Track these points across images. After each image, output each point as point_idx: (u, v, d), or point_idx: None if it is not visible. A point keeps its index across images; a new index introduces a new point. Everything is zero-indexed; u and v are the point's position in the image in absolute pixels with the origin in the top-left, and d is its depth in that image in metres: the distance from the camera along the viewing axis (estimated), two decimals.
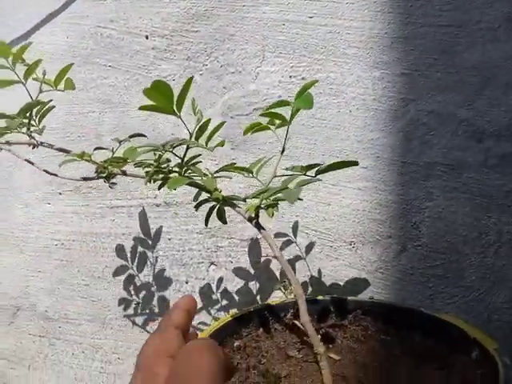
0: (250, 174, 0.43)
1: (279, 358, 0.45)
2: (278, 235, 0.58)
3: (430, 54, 0.53)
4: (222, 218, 0.43)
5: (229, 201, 0.38)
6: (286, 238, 0.58)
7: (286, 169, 0.39)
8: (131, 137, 0.45)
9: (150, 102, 0.32)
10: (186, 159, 0.40)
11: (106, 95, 0.64)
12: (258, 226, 0.38)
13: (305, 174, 0.37)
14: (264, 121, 0.43)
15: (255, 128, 0.43)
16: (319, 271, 0.57)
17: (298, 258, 0.57)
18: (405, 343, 0.46)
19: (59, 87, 0.44)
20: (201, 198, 0.43)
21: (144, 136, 0.46)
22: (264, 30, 0.58)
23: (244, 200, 0.38)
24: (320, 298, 0.50)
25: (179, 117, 0.33)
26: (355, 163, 0.34)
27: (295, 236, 0.57)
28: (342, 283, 0.56)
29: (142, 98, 0.64)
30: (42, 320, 0.66)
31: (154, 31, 0.61)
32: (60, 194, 0.66)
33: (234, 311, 0.49)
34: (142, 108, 0.33)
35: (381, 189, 0.55)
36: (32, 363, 0.66)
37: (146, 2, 0.62)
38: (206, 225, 0.42)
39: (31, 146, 0.45)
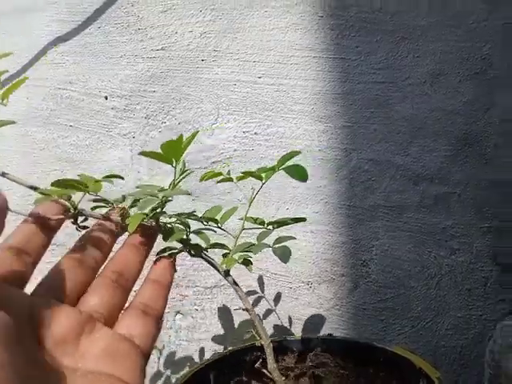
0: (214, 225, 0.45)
1: None
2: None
3: (367, 107, 0.60)
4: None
5: (207, 257, 0.41)
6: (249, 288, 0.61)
7: (249, 218, 0.43)
8: (108, 177, 0.43)
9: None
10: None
11: (67, 154, 0.67)
12: (234, 282, 0.42)
13: (266, 228, 0.41)
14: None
15: (216, 177, 0.46)
16: (289, 318, 0.60)
17: (260, 298, 0.61)
18: (361, 377, 0.50)
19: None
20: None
21: (121, 178, 0.46)
22: (217, 89, 0.63)
23: (210, 247, 0.42)
24: (283, 340, 0.54)
25: (174, 167, 0.37)
26: (304, 219, 0.39)
27: (262, 289, 0.61)
28: (301, 322, 0.60)
29: (103, 155, 0.67)
30: None
31: (113, 92, 0.65)
32: None
33: (205, 358, 0.52)
34: (144, 154, 0.36)
35: (331, 231, 0.60)
36: None
37: (104, 64, 0.66)
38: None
39: None
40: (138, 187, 0.42)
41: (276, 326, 0.62)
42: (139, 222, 0.38)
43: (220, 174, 0.48)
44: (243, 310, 0.45)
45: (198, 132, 0.38)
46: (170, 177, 0.61)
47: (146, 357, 0.30)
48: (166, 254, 0.39)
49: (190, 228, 0.41)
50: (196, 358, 0.62)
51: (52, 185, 0.34)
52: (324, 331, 0.59)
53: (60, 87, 0.67)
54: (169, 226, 0.41)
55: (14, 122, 0.39)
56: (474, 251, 0.58)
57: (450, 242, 0.58)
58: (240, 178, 0.48)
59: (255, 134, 0.62)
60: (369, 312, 0.59)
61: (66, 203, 0.35)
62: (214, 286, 0.62)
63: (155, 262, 0.35)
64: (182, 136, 0.36)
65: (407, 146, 0.60)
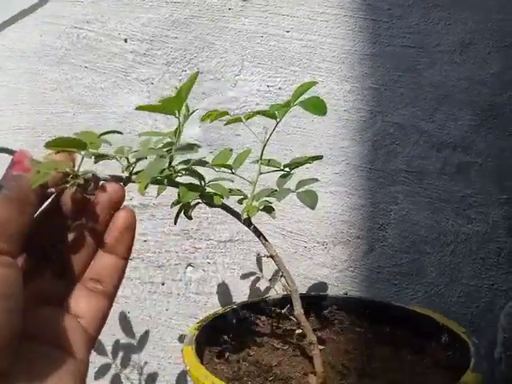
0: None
1: (266, 350, 0.48)
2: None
3: (395, 71, 0.59)
4: (186, 214, 0.44)
5: (227, 206, 0.40)
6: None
7: (263, 160, 0.41)
8: (106, 133, 0.40)
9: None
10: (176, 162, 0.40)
11: (80, 96, 0.64)
12: (256, 230, 0.41)
13: (283, 170, 0.40)
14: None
15: (218, 116, 0.44)
16: (294, 271, 0.60)
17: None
18: (379, 334, 0.50)
19: None
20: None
21: (120, 133, 0.43)
22: (243, 40, 0.62)
23: (240, 202, 0.40)
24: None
25: (178, 117, 0.35)
26: (321, 157, 0.39)
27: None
28: (314, 282, 0.60)
29: (119, 100, 0.65)
30: None
31: (133, 35, 0.63)
32: None
33: (215, 310, 0.51)
34: (140, 108, 0.34)
35: (351, 193, 0.60)
36: None
37: (125, 6, 0.63)
38: (175, 223, 0.43)
39: None
40: (140, 135, 0.39)
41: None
42: (148, 181, 0.35)
43: (226, 113, 0.44)
44: (268, 256, 0.44)
45: (197, 74, 0.35)
46: (189, 125, 0.59)
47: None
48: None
49: (204, 179, 0.39)
50: (203, 313, 0.61)
51: (47, 145, 0.31)
52: (337, 292, 0.59)
53: (76, 26, 0.65)
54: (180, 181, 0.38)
55: None
56: (491, 221, 0.59)
57: (467, 211, 0.59)
58: (249, 117, 0.46)
59: (279, 88, 0.61)
60: (383, 275, 0.60)
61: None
62: (228, 241, 0.61)
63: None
64: (181, 90, 0.33)
65: (433, 112, 0.60)
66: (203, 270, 0.63)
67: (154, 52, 0.65)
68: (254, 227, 0.43)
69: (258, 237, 0.43)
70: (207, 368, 0.42)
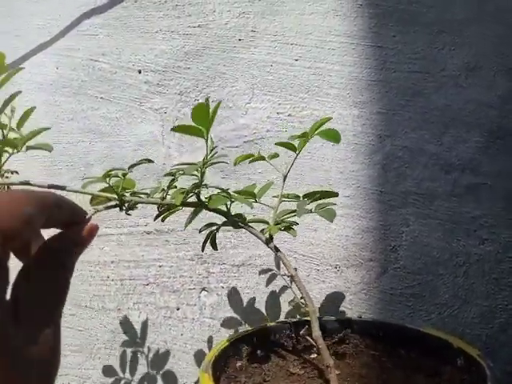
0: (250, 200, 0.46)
1: (282, 375, 0.48)
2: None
3: (402, 96, 0.61)
4: (214, 243, 0.47)
5: (247, 223, 0.42)
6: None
7: (285, 195, 0.44)
8: (138, 164, 0.44)
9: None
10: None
11: (96, 126, 0.66)
12: (275, 248, 0.42)
13: (307, 202, 0.42)
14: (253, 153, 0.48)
15: (249, 158, 0.47)
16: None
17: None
18: (394, 357, 0.50)
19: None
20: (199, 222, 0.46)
21: (151, 162, 0.46)
22: (253, 69, 0.64)
23: (252, 222, 0.42)
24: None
25: (206, 140, 0.37)
26: (336, 194, 0.41)
27: (278, 267, 0.61)
28: (327, 305, 0.61)
29: (133, 129, 0.67)
30: None
31: (146, 66, 0.65)
32: None
33: (231, 334, 0.52)
34: (176, 129, 0.37)
35: (362, 216, 0.61)
36: None
37: (139, 38, 0.66)
38: (203, 250, 0.46)
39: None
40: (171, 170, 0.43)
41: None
42: (182, 198, 0.41)
43: (251, 155, 0.48)
44: (288, 276, 0.45)
45: (220, 103, 0.39)
46: (200, 153, 0.62)
47: None
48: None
49: (230, 196, 0.42)
50: (218, 337, 0.61)
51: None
52: (350, 315, 0.60)
53: (92, 58, 0.67)
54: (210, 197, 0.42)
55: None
56: (502, 241, 0.60)
57: (478, 232, 0.60)
58: (272, 157, 0.48)
59: (289, 115, 0.63)
60: (396, 297, 0.60)
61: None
62: (242, 265, 0.62)
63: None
64: (207, 99, 0.36)
65: (440, 135, 0.61)
66: (217, 295, 0.64)
67: (167, 82, 0.67)
68: (274, 246, 0.44)
69: (279, 256, 0.45)
70: None
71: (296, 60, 0.65)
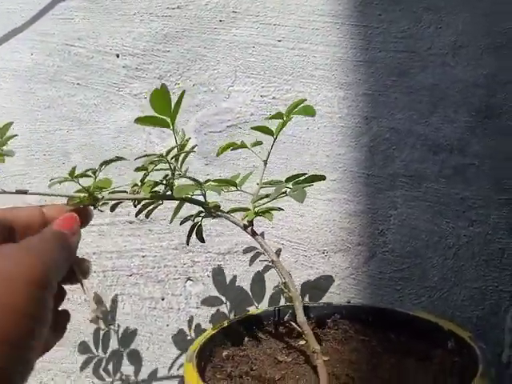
0: (232, 188, 0.44)
1: (269, 363, 0.47)
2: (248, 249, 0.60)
3: (388, 76, 0.59)
4: (201, 237, 0.45)
5: (222, 211, 0.40)
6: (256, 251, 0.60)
7: (266, 182, 0.42)
8: (106, 163, 0.41)
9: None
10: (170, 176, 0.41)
11: (73, 113, 0.64)
12: (253, 233, 0.40)
13: (287, 187, 0.40)
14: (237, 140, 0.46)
15: (231, 147, 0.45)
16: (295, 281, 0.59)
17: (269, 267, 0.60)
18: (384, 341, 0.49)
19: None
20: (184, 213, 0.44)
21: (125, 159, 0.44)
22: (235, 51, 0.61)
23: (232, 211, 0.41)
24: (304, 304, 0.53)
25: (172, 129, 0.35)
26: (323, 177, 0.39)
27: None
28: (315, 290, 0.59)
29: (112, 116, 0.64)
30: None
31: (125, 50, 0.63)
32: None
33: (217, 324, 0.50)
34: (139, 120, 0.35)
35: (349, 200, 0.60)
36: None
37: (116, 21, 0.63)
38: (188, 243, 0.44)
39: None
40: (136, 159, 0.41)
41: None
42: (150, 189, 0.41)
43: (233, 144, 0.47)
44: (269, 262, 0.44)
45: (184, 92, 0.36)
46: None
47: None
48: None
49: (202, 185, 0.40)
50: (204, 326, 0.60)
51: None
52: (339, 301, 0.58)
53: (68, 43, 0.65)
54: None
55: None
56: (491, 223, 0.59)
57: (467, 213, 0.59)
58: (255, 144, 0.47)
59: (273, 98, 0.61)
60: (385, 281, 0.59)
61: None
62: (227, 253, 0.61)
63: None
64: (164, 85, 0.34)
65: (428, 115, 0.60)
66: (203, 284, 0.62)
67: (146, 66, 0.65)
68: (252, 230, 0.43)
69: (258, 241, 0.43)
70: None
71: (279, 41, 0.63)
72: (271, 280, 0.62)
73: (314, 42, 0.63)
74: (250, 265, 0.62)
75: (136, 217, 0.46)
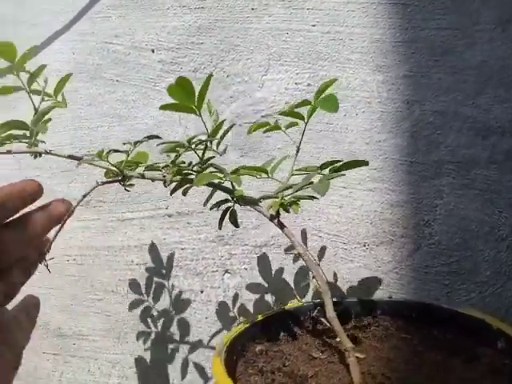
0: (264, 175, 0.43)
1: (303, 359, 0.45)
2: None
3: (430, 56, 0.55)
4: (234, 221, 0.44)
5: (250, 199, 0.39)
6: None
7: (299, 169, 0.39)
8: (148, 138, 0.44)
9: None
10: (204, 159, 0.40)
11: (113, 109, 0.65)
12: (281, 224, 0.38)
13: (320, 174, 0.37)
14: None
15: (263, 128, 0.43)
16: (335, 274, 0.57)
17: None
18: (427, 339, 0.46)
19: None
20: (215, 200, 0.43)
21: (159, 138, 0.45)
22: (268, 39, 0.60)
23: (260, 200, 0.39)
24: (339, 300, 0.50)
25: (199, 115, 0.34)
26: (366, 163, 0.36)
27: (305, 243, 0.58)
28: (356, 285, 0.56)
29: (150, 111, 0.65)
30: (56, 338, 0.66)
31: (159, 45, 0.63)
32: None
33: (252, 317, 0.49)
34: (163, 107, 0.34)
35: (391, 189, 0.56)
36: (47, 382, 0.65)
37: (151, 17, 0.63)
38: (220, 228, 0.43)
39: (34, 156, 0.42)
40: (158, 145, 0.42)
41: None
42: (175, 173, 0.41)
43: (267, 124, 0.46)
44: (296, 254, 0.42)
45: (211, 75, 0.35)
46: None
47: None
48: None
49: (226, 174, 0.39)
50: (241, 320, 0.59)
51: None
52: (381, 296, 0.55)
53: (106, 41, 0.65)
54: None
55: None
56: None
57: None
58: (288, 126, 0.45)
59: (308, 85, 0.59)
60: (431, 276, 0.55)
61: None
62: (264, 245, 0.59)
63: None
64: (185, 78, 0.33)
65: (475, 96, 0.55)
66: (241, 276, 0.61)
67: (181, 60, 0.64)
68: (279, 222, 0.41)
69: (285, 233, 0.41)
70: (239, 380, 0.40)
71: (313, 25, 0.60)
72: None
73: (349, 25, 0.59)
74: (293, 262, 0.60)
75: (170, 195, 0.45)
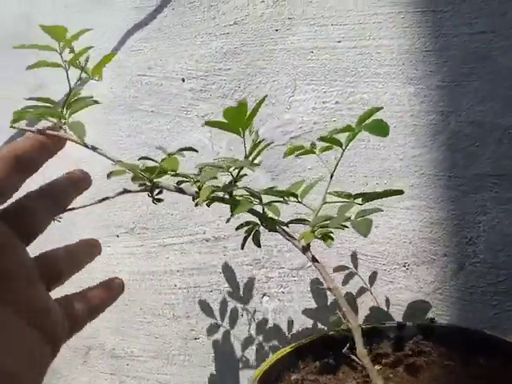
0: (294, 200, 0.42)
1: None
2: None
3: (464, 63, 0.52)
4: (257, 241, 0.44)
5: (282, 228, 0.38)
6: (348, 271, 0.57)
7: (330, 193, 0.39)
8: (182, 150, 0.44)
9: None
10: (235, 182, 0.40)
11: (150, 139, 0.67)
12: (313, 258, 0.38)
13: (354, 202, 0.37)
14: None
15: (298, 151, 0.43)
16: (387, 300, 0.55)
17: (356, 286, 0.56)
18: (470, 367, 0.44)
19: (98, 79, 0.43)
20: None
21: (195, 151, 0.46)
22: (293, 59, 0.59)
23: (287, 225, 0.39)
24: (378, 325, 0.49)
25: (243, 136, 0.35)
26: (401, 192, 0.34)
27: (355, 266, 0.56)
28: (397, 308, 0.54)
29: (183, 139, 0.66)
30: (111, 358, 0.69)
31: (189, 74, 0.65)
32: (117, 236, 0.69)
33: (290, 344, 0.49)
34: (209, 123, 0.36)
35: (430, 206, 0.54)
36: None
37: (179, 46, 0.65)
38: (242, 248, 0.43)
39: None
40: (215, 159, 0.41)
41: (369, 313, 0.57)
42: (208, 194, 0.37)
43: (301, 147, 0.45)
44: (327, 289, 0.41)
45: (264, 98, 0.35)
46: None
47: None
48: None
49: (261, 200, 0.39)
50: (284, 343, 0.59)
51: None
52: (422, 320, 0.53)
53: (140, 73, 0.68)
54: (239, 198, 0.39)
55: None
56: None
57: None
58: (323, 150, 0.44)
59: (336, 103, 0.57)
60: (477, 296, 0.52)
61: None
62: (300, 268, 0.59)
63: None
64: (244, 102, 0.33)
65: None
66: (278, 300, 0.61)
67: (210, 87, 0.65)
68: (311, 255, 0.41)
69: (316, 266, 0.41)
70: None
71: (339, 42, 0.59)
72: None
73: (376, 37, 0.57)
74: (343, 285, 0.59)
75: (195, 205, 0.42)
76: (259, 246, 0.46)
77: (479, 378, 0.43)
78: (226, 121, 0.36)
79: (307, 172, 0.60)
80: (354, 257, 0.59)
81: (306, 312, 0.60)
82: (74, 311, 0.32)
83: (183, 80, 0.67)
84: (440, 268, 0.55)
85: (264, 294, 0.62)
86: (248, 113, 0.37)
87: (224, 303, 0.64)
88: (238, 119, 0.36)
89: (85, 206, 0.39)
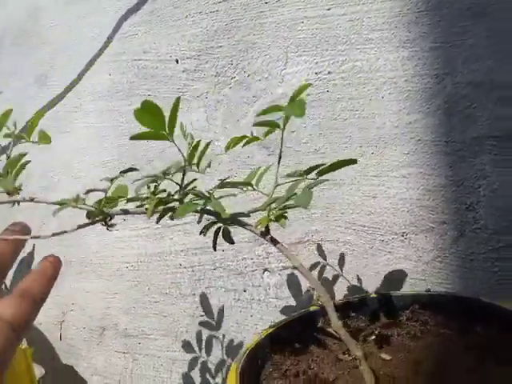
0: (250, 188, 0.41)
1: (329, 361, 0.44)
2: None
3: (459, 21, 0.50)
4: (229, 239, 0.42)
5: (237, 220, 0.38)
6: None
7: (288, 175, 0.37)
8: (123, 172, 0.41)
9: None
10: (184, 185, 0.39)
11: None
12: (273, 241, 0.37)
13: (306, 178, 0.35)
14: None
15: (241, 141, 0.41)
16: (372, 268, 0.54)
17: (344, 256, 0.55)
18: (467, 336, 0.42)
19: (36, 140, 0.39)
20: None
21: (136, 170, 0.44)
22: (284, 31, 0.58)
23: (248, 215, 0.38)
24: (373, 295, 0.48)
25: (172, 141, 0.34)
26: (354, 161, 0.33)
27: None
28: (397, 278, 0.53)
29: (181, 121, 0.66)
30: (124, 337, 0.71)
31: (183, 54, 0.64)
32: (124, 220, 0.70)
33: (286, 317, 0.49)
34: (134, 137, 0.33)
35: (427, 173, 0.52)
36: (121, 378, 0.71)
37: (171, 28, 0.65)
38: (215, 249, 0.42)
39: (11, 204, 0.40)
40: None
41: (368, 284, 0.56)
42: (153, 209, 0.37)
43: (245, 137, 0.42)
44: (292, 268, 0.41)
45: (179, 98, 0.33)
46: (246, 130, 0.58)
47: (16, 332, 0.32)
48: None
49: (210, 199, 0.37)
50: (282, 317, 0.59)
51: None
52: (424, 287, 0.52)
53: (135, 58, 0.68)
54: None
55: None
56: None
57: None
58: (266, 134, 0.42)
59: (329, 73, 0.56)
60: (478, 263, 0.50)
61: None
62: (298, 242, 0.58)
63: (45, 257, 0.39)
64: (147, 104, 0.31)
65: None
66: (279, 275, 0.61)
67: (203, 66, 0.65)
68: (271, 238, 0.40)
69: (278, 248, 0.40)
70: None
71: (328, 9, 0.57)
72: None
73: (366, 2, 0.55)
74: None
75: (157, 223, 0.43)
76: (232, 242, 0.44)
77: (475, 347, 0.42)
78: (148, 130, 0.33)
79: (302, 146, 0.59)
80: (320, 248, 0.58)
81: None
82: None
83: (177, 61, 0.67)
84: (439, 236, 0.53)
85: (265, 270, 0.62)
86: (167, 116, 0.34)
87: (227, 280, 0.65)
88: (158, 126, 0.33)
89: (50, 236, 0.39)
